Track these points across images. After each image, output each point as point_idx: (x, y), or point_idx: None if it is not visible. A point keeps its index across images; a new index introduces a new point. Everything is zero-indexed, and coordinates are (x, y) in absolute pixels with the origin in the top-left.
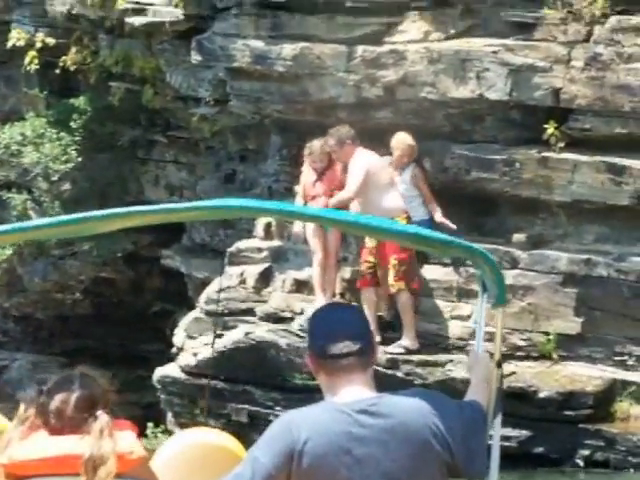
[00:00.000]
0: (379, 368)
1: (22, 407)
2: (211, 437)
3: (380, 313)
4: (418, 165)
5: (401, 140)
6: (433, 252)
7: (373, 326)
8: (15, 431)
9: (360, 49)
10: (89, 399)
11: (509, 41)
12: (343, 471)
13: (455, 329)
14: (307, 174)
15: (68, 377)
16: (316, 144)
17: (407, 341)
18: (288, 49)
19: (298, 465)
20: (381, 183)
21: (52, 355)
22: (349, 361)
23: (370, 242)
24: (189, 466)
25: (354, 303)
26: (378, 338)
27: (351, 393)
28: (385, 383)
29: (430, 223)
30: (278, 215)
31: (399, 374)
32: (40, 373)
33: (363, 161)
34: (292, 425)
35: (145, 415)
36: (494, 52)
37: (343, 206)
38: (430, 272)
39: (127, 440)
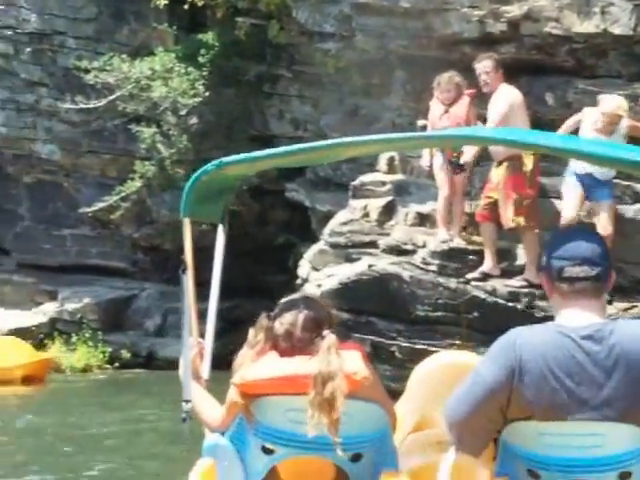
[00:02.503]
0: (499, 300)
1: (251, 332)
2: (462, 357)
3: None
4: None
5: (617, 106)
6: None
7: (492, 260)
8: (247, 355)
9: None
10: (315, 320)
11: None
12: (562, 394)
13: None
14: (434, 108)
15: (293, 301)
16: (445, 75)
17: (529, 276)
18: None
19: (519, 383)
20: (520, 120)
21: (179, 285)
22: (584, 285)
23: (495, 178)
24: (439, 383)
25: (476, 237)
26: (497, 271)
27: (580, 318)
28: (506, 315)
29: None
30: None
31: (519, 306)
32: (167, 303)
33: (509, 95)
34: (516, 343)
35: None
36: None
37: None
38: (551, 206)
39: (352, 361)
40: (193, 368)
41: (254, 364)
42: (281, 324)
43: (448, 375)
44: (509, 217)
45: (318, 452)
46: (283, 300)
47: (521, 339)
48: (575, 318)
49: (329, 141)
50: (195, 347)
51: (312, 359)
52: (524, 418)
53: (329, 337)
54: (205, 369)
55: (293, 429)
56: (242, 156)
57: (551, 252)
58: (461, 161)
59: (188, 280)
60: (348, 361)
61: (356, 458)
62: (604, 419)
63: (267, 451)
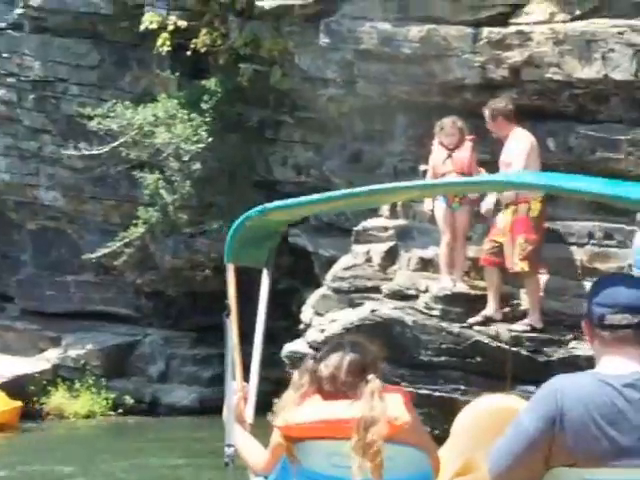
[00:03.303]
0: (503, 345)
1: (296, 375)
2: (505, 401)
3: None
4: None
5: None
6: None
7: (495, 304)
8: (291, 397)
9: (486, 31)
10: (360, 363)
11: (635, 21)
12: (604, 442)
13: (579, 307)
14: (437, 152)
15: (339, 344)
16: (447, 120)
17: (533, 320)
18: (414, 31)
19: (560, 431)
20: (534, 164)
21: (182, 331)
22: (625, 333)
23: (502, 222)
24: (482, 428)
25: (479, 281)
26: (499, 315)
27: (621, 366)
28: (509, 360)
29: None
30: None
31: (523, 352)
32: (171, 348)
33: (526, 139)
34: (557, 392)
35: (274, 390)
36: (620, 33)
37: None
38: (555, 250)
39: (394, 405)
40: (237, 412)
41: (297, 407)
42: (326, 367)
43: (491, 419)
44: (515, 261)
45: None
46: (330, 343)
47: (562, 387)
48: (616, 366)
49: (371, 187)
50: (240, 391)
51: (354, 403)
52: (567, 465)
53: (374, 382)
54: (249, 413)
55: (336, 474)
56: (284, 202)
57: (592, 299)
58: (482, 210)
59: (232, 324)
60: (390, 406)
61: None
62: None
63: None
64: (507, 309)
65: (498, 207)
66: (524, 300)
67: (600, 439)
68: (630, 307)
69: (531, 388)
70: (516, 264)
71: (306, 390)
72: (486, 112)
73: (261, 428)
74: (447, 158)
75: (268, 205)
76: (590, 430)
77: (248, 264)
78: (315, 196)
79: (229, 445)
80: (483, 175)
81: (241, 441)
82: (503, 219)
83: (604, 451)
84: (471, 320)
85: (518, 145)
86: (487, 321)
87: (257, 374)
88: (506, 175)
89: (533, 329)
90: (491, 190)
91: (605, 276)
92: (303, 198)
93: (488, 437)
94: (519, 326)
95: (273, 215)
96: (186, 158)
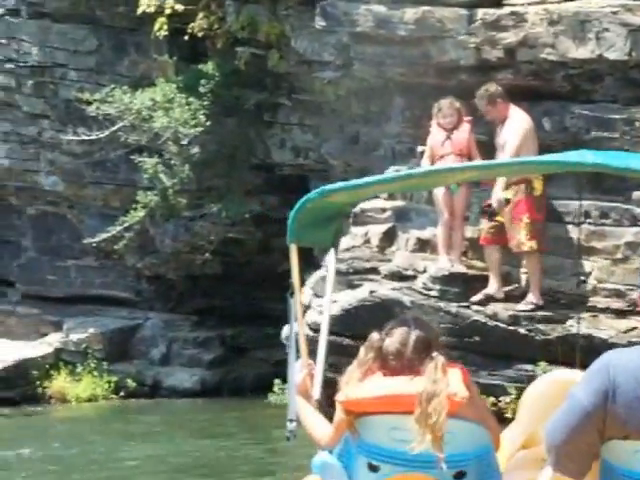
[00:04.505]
0: (500, 324)
1: (362, 351)
2: (569, 375)
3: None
4: None
5: None
6: None
7: (497, 283)
8: (354, 373)
9: (480, 12)
10: (425, 340)
11: (628, 1)
12: None
13: (576, 286)
14: (435, 134)
15: (404, 321)
16: (444, 101)
17: (535, 298)
18: (410, 13)
19: (612, 405)
20: (533, 145)
21: (183, 314)
22: None
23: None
24: (546, 402)
25: (475, 261)
26: (501, 294)
27: None
28: (507, 339)
29: None
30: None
31: (521, 330)
32: (172, 332)
33: (523, 120)
34: (610, 366)
35: (274, 371)
36: (613, 12)
37: None
38: (551, 229)
39: (453, 381)
40: (303, 388)
41: (359, 383)
42: (392, 343)
43: (556, 393)
44: (522, 241)
45: (422, 470)
46: (395, 320)
47: (615, 362)
48: None
49: (427, 168)
50: (305, 368)
51: (415, 379)
52: (621, 437)
53: (438, 359)
54: (316, 389)
55: (397, 447)
56: (343, 184)
57: None
58: (493, 202)
59: (296, 303)
60: (450, 381)
61: (460, 476)
62: None
63: (373, 468)
64: (507, 288)
65: (484, 186)
66: (522, 279)
67: None
68: None
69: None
70: (524, 244)
71: (370, 366)
72: (482, 99)
73: (262, 410)
74: (446, 140)
75: (327, 187)
76: None
77: (312, 244)
78: (373, 177)
79: (291, 420)
80: (562, 154)
81: (306, 416)
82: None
83: None
84: (473, 299)
85: (513, 125)
86: (488, 300)
87: (324, 351)
88: (583, 155)
89: (537, 307)
90: (563, 171)
91: None
92: (361, 180)
93: (551, 411)
94: (523, 305)
95: (333, 197)
96: (184, 142)
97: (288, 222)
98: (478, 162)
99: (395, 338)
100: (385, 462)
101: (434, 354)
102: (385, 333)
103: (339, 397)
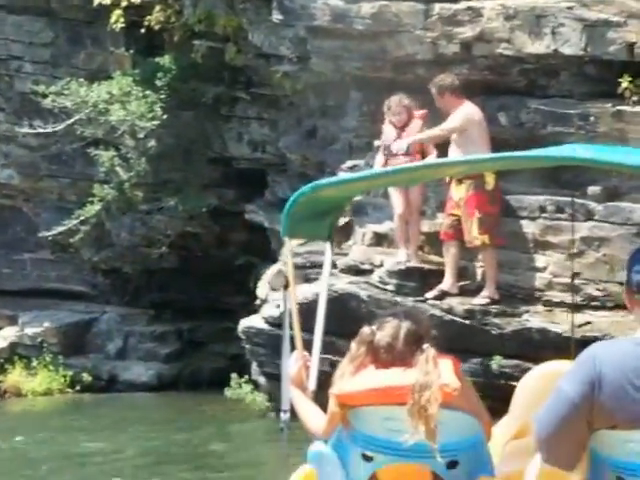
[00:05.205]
0: (456, 318)
1: (353, 345)
2: (562, 367)
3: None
4: None
5: None
6: None
7: (452, 278)
8: (347, 367)
9: (437, 7)
10: (416, 333)
11: None
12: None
13: (531, 280)
14: (387, 131)
15: (394, 314)
16: (394, 98)
17: (490, 293)
18: (367, 7)
19: (599, 395)
20: (479, 137)
21: (139, 308)
22: None
23: (457, 194)
24: (539, 393)
25: (432, 256)
26: (456, 289)
27: None
28: (462, 333)
29: None
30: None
31: (476, 324)
32: (128, 325)
33: (470, 109)
34: (595, 357)
35: (231, 365)
36: (569, 8)
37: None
38: (506, 224)
39: (444, 372)
40: (298, 380)
41: (352, 377)
42: (383, 336)
43: (549, 384)
44: (474, 235)
45: (416, 459)
46: (386, 314)
47: (600, 353)
48: None
49: (417, 163)
50: (300, 360)
51: (408, 371)
52: (609, 427)
53: (429, 351)
54: (311, 381)
55: (391, 437)
56: (334, 179)
57: (631, 267)
58: (393, 149)
59: (290, 296)
60: (442, 372)
61: (452, 465)
62: None
63: (367, 458)
64: (461, 283)
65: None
66: (479, 274)
67: (638, 402)
68: None
69: None
70: (476, 238)
71: (362, 360)
72: (433, 89)
73: (219, 404)
74: (397, 137)
75: (319, 182)
76: (628, 393)
77: (308, 237)
78: (364, 173)
79: (284, 411)
80: (550, 149)
81: (302, 408)
82: (458, 193)
83: None
84: (428, 295)
85: (457, 114)
86: (444, 295)
87: (320, 343)
88: (574, 149)
89: (493, 301)
90: (554, 165)
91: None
92: (352, 175)
93: (543, 401)
94: (479, 299)
95: (324, 192)
96: (141, 135)
97: (282, 216)
98: (469, 157)
99: (386, 332)
100: (379, 452)
101: (425, 346)
102: (376, 327)
103: (333, 390)
